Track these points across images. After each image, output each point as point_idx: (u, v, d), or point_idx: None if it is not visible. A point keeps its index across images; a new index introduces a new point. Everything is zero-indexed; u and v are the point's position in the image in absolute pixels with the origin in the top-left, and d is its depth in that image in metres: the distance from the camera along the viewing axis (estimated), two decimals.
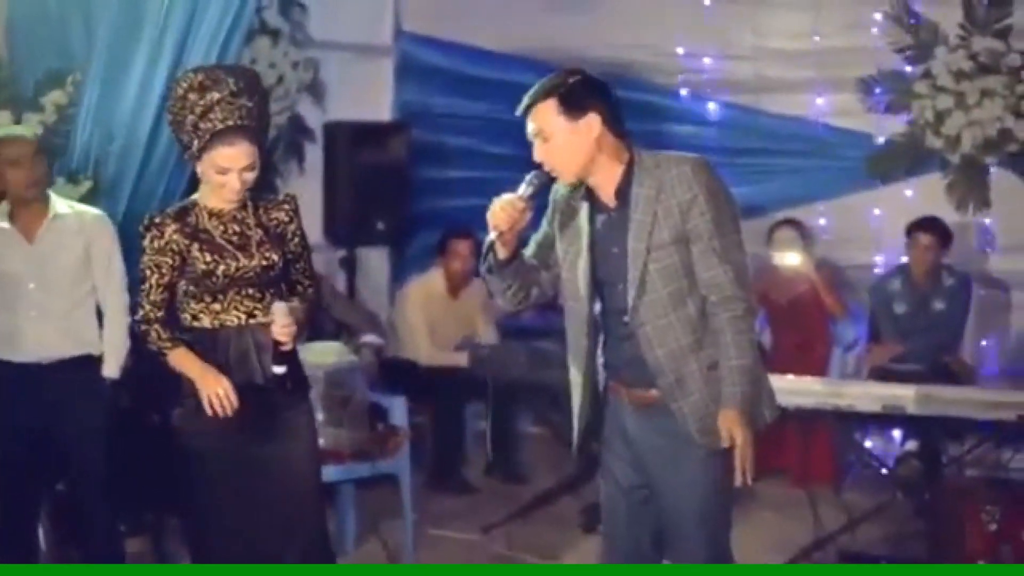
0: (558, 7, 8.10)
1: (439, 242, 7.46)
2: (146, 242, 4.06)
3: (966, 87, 7.39)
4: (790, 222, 7.43)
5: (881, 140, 7.69)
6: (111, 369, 5.04)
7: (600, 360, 3.80)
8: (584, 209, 3.71)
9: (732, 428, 3.58)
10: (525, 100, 3.62)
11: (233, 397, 3.99)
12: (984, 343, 7.48)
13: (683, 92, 8.09)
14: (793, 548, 5.86)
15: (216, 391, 3.98)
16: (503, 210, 3.54)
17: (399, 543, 5.84)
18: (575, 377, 3.82)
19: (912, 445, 6.94)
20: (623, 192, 3.64)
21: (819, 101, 7.85)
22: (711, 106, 8.08)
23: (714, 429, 3.62)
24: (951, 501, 5.67)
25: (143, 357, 5.17)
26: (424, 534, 6.17)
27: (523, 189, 3.60)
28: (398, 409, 6.06)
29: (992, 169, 7.47)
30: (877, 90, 7.67)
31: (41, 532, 5.29)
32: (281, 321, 3.98)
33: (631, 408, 3.75)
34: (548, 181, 3.65)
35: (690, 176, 3.59)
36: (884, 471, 6.70)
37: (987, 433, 6.10)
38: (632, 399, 3.74)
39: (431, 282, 7.46)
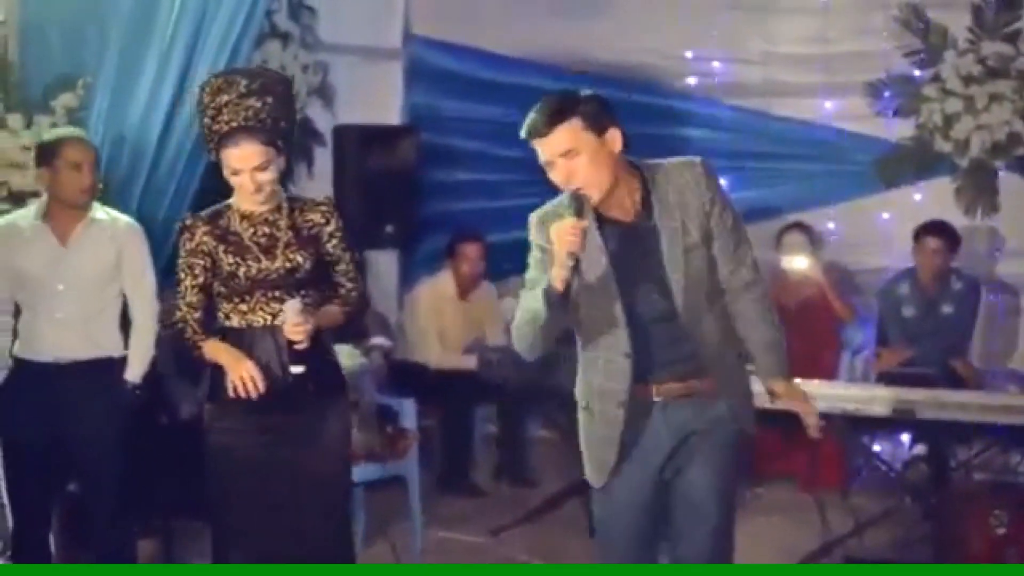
0: (567, 11, 8.10)
1: (448, 245, 7.47)
2: (180, 244, 4.17)
3: (975, 91, 7.40)
4: (798, 226, 7.43)
5: (890, 144, 7.69)
6: (134, 374, 5.04)
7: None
8: (595, 230, 3.64)
9: (790, 393, 3.94)
10: (538, 122, 3.58)
11: (259, 378, 4.01)
12: (992, 347, 7.48)
13: (692, 96, 8.10)
14: (800, 552, 5.86)
15: (240, 373, 4.01)
16: (572, 234, 3.44)
17: (407, 545, 5.85)
18: (606, 402, 3.74)
19: (920, 449, 6.94)
20: (643, 204, 3.66)
21: (828, 105, 7.86)
22: (720, 110, 8.08)
23: (748, 412, 3.84)
24: (959, 505, 5.68)
25: (153, 361, 5.21)
26: (432, 536, 6.18)
27: (569, 212, 3.50)
28: (407, 411, 6.08)
29: (1001, 173, 7.47)
30: (886, 94, 7.68)
31: (51, 535, 5.31)
32: (292, 319, 3.98)
33: (663, 403, 3.71)
34: (581, 200, 3.55)
35: (706, 178, 3.68)
36: (892, 475, 6.70)
37: (995, 437, 6.09)
38: (669, 392, 3.71)
39: (440, 285, 7.46)
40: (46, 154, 4.91)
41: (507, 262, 7.92)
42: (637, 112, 7.52)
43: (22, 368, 5.00)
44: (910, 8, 7.56)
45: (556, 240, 3.47)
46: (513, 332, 3.74)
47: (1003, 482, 6.34)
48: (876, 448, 7.12)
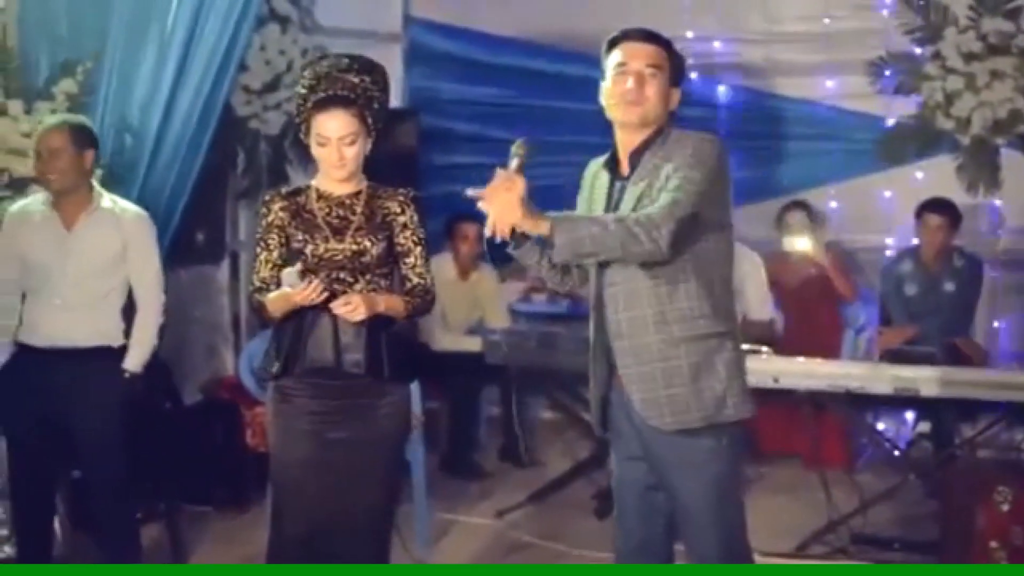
0: None
1: (446, 226, 7.47)
2: (259, 219, 4.21)
3: (976, 68, 7.38)
4: (799, 204, 7.43)
5: (891, 122, 7.69)
6: (134, 363, 5.04)
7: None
8: (605, 179, 3.73)
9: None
10: (639, 33, 3.66)
11: (318, 286, 3.96)
12: (995, 324, 7.48)
13: (693, 75, 8.08)
14: (806, 531, 5.87)
15: (304, 293, 3.96)
16: (490, 202, 3.45)
17: (412, 528, 5.85)
18: (592, 352, 3.82)
19: (924, 427, 6.95)
20: (634, 160, 3.66)
21: (829, 84, 7.85)
22: (721, 89, 8.07)
23: (659, 409, 3.62)
24: (963, 482, 5.67)
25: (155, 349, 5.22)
26: (437, 518, 6.18)
27: (512, 164, 3.55)
28: (412, 394, 6.06)
29: (1002, 150, 7.46)
30: (887, 72, 7.67)
31: (57, 520, 5.32)
32: (288, 280, 3.99)
33: (622, 394, 3.73)
34: (532, 148, 3.58)
35: (694, 147, 3.59)
36: (896, 453, 6.70)
37: (999, 414, 6.10)
38: (621, 384, 3.73)
39: (440, 266, 7.42)
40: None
41: (506, 244, 7.97)
42: None
43: (23, 353, 5.02)
44: None
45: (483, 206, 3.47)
46: None
47: (1007, 459, 6.35)
48: (880, 426, 7.15)
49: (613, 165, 3.74)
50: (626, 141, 3.70)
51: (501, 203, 3.39)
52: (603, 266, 3.66)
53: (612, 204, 3.69)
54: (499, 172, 3.50)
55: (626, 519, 3.90)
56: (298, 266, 4.05)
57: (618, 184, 3.71)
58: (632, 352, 3.64)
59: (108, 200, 5.05)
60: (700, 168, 3.53)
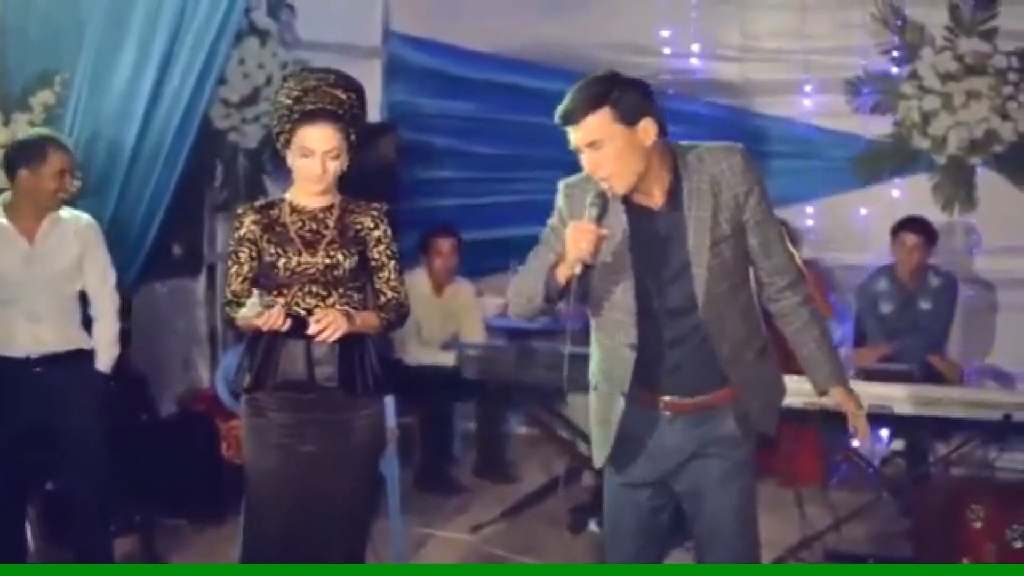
0: (546, 8, 8.10)
1: (421, 240, 7.46)
2: (231, 232, 4.21)
3: (952, 88, 7.44)
4: None
5: (868, 141, 7.72)
6: (104, 364, 5.11)
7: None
8: (621, 213, 3.58)
9: (848, 403, 3.82)
10: (568, 109, 3.48)
11: (281, 315, 3.95)
12: (969, 343, 7.51)
13: (670, 92, 8.10)
14: (780, 547, 5.88)
15: (269, 323, 3.95)
16: (586, 241, 3.39)
17: (387, 542, 5.85)
18: (611, 388, 3.70)
19: (898, 445, 6.96)
20: (672, 192, 3.58)
21: (806, 102, 7.88)
22: (698, 107, 8.08)
23: (770, 413, 3.78)
24: (937, 500, 5.70)
25: (130, 359, 5.23)
26: (412, 533, 6.17)
27: (590, 214, 3.46)
28: (386, 408, 6.05)
29: (978, 170, 7.51)
30: (864, 91, 7.71)
31: (29, 531, 5.30)
32: (252, 312, 3.98)
33: (668, 416, 3.68)
34: (607, 199, 3.51)
35: (744, 167, 3.60)
36: (870, 471, 6.72)
37: (973, 432, 6.12)
38: (670, 408, 3.68)
39: (415, 281, 7.41)
40: (28, 155, 4.90)
41: (486, 260, 7.97)
42: None
43: None
44: (887, 5, 7.59)
45: (570, 241, 3.42)
46: (511, 289, 3.73)
47: (980, 477, 6.36)
48: (855, 443, 7.15)
49: (624, 199, 3.59)
50: (644, 185, 3.58)
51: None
52: (646, 298, 3.61)
53: (647, 236, 3.59)
54: (581, 227, 3.45)
55: (623, 542, 3.87)
56: (257, 298, 4.02)
57: (644, 218, 3.59)
58: (740, 376, 3.67)
59: (64, 210, 5.07)
60: (761, 188, 3.65)
